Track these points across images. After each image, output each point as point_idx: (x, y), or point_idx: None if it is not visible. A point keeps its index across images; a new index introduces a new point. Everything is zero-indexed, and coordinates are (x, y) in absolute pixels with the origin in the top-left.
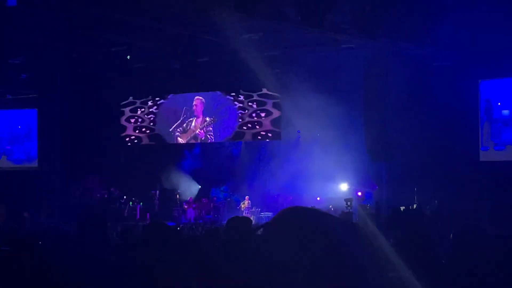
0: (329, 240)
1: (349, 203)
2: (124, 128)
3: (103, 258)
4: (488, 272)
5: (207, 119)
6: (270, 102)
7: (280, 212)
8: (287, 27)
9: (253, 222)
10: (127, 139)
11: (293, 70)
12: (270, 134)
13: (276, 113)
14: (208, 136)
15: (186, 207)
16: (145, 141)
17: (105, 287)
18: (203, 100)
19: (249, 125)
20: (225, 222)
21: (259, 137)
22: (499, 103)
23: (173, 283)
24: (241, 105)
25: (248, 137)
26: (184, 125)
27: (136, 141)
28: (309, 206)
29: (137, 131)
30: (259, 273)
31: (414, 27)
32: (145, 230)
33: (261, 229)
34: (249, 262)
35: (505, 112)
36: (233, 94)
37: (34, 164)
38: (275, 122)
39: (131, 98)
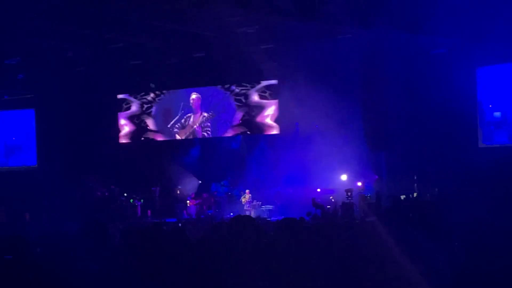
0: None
1: (349, 194)
2: (122, 126)
3: (105, 262)
4: (492, 262)
5: (205, 114)
6: (267, 95)
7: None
8: (283, 20)
9: (254, 216)
10: (126, 136)
11: (290, 62)
12: (268, 127)
13: (274, 106)
14: (207, 132)
15: (189, 202)
16: (144, 137)
17: None
18: (200, 96)
19: (247, 119)
20: (226, 216)
21: (257, 131)
22: (490, 105)
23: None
24: (238, 99)
25: (246, 130)
26: (182, 121)
27: (134, 138)
28: (313, 200)
29: (135, 128)
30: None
31: (409, 15)
32: (145, 233)
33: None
34: (254, 262)
35: (497, 114)
36: (231, 88)
37: (33, 166)
38: (273, 115)
39: (128, 95)
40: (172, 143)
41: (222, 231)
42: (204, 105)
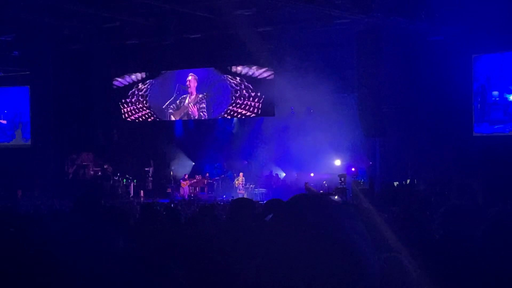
0: (334, 230)
1: (342, 179)
2: (117, 105)
3: (98, 240)
4: (480, 248)
5: (200, 95)
6: (263, 78)
7: (292, 198)
8: (281, 3)
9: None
10: (121, 116)
11: (287, 46)
12: (263, 111)
13: (269, 89)
14: (202, 113)
15: (183, 183)
16: (138, 117)
17: (101, 269)
18: (196, 77)
19: (243, 101)
20: (219, 198)
21: (252, 114)
22: (487, 80)
23: (168, 264)
24: (234, 81)
25: (241, 113)
26: (177, 102)
27: (129, 117)
28: (306, 184)
29: (130, 108)
30: (262, 258)
31: (407, 1)
32: (139, 214)
33: (270, 216)
34: (253, 246)
35: (495, 93)
36: (226, 70)
37: (27, 143)
38: (269, 98)
39: (123, 74)
40: (166, 124)
41: (214, 212)
42: (200, 87)
